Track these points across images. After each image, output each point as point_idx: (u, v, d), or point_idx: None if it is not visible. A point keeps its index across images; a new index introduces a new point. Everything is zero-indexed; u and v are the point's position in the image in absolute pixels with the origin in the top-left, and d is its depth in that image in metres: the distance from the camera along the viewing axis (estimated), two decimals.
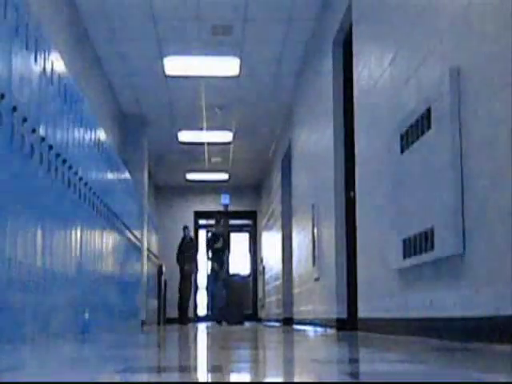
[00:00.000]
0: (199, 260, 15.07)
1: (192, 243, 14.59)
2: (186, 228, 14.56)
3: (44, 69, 4.55)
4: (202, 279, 20.17)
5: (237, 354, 2.63)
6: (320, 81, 7.74)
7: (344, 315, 6.54)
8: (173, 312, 14.93)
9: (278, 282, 12.55)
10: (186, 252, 14.21)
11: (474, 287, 3.12)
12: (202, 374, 1.79)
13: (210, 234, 14.40)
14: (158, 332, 7.35)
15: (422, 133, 3.70)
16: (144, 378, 1.69)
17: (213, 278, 13.66)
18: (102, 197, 6.86)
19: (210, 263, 13.84)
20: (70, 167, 5.29)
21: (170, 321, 15.87)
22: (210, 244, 13.77)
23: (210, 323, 15.38)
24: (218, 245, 13.64)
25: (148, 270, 12.45)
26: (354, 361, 2.26)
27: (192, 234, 15.91)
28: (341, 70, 6.91)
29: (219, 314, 13.32)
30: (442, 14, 3.58)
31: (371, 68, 5.22)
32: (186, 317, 13.85)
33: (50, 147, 4.64)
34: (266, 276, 15.24)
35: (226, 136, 13.10)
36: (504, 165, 2.80)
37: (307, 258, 8.83)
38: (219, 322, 13.06)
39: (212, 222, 19.45)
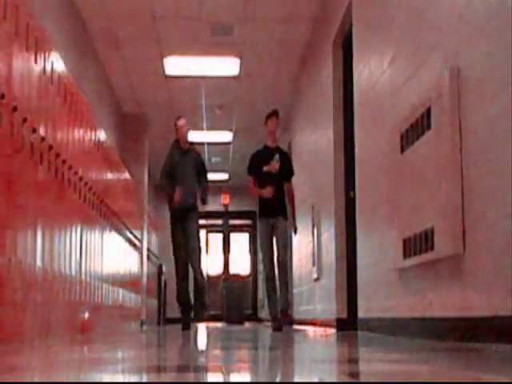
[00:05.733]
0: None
1: (198, 157, 7.86)
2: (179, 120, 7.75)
3: (44, 69, 4.55)
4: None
5: (236, 354, 2.63)
6: (320, 81, 7.74)
7: (344, 315, 6.54)
8: (173, 312, 14.92)
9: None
10: (182, 174, 7.64)
11: (473, 287, 3.12)
12: (202, 373, 1.79)
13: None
14: (157, 332, 7.35)
15: (422, 133, 3.70)
16: (144, 378, 1.69)
17: (266, 248, 7.17)
18: (102, 197, 6.86)
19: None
20: (70, 167, 5.29)
21: (170, 321, 15.87)
22: (254, 164, 7.06)
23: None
24: (272, 165, 6.99)
25: (148, 270, 12.44)
26: (353, 361, 2.26)
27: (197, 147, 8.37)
28: (341, 70, 6.91)
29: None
30: (442, 14, 3.58)
31: (371, 68, 5.22)
32: (197, 313, 7.82)
33: (50, 147, 4.64)
34: None
35: (225, 136, 13.10)
36: (504, 165, 2.80)
37: (307, 257, 8.82)
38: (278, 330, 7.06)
39: (213, 221, 19.42)
